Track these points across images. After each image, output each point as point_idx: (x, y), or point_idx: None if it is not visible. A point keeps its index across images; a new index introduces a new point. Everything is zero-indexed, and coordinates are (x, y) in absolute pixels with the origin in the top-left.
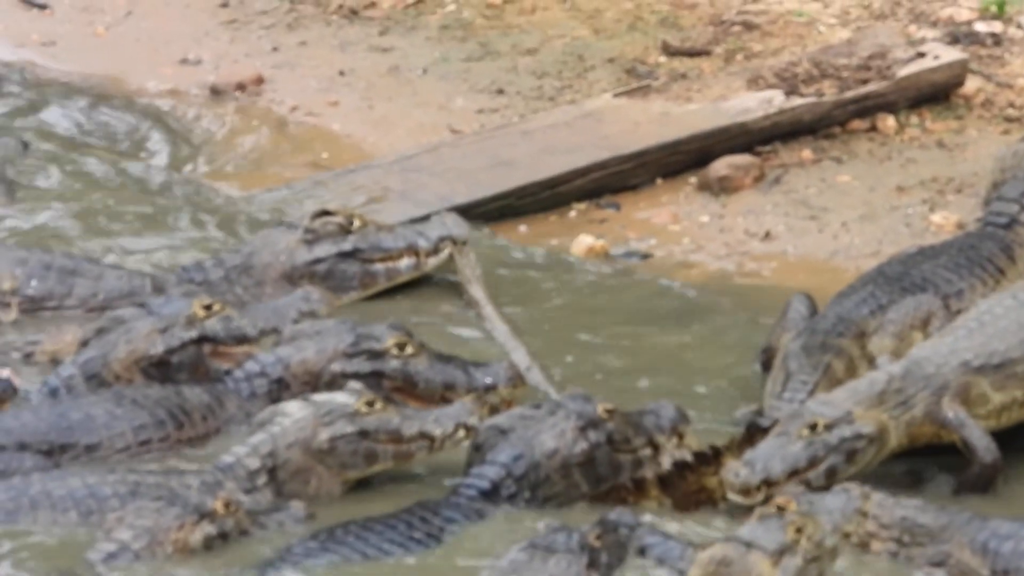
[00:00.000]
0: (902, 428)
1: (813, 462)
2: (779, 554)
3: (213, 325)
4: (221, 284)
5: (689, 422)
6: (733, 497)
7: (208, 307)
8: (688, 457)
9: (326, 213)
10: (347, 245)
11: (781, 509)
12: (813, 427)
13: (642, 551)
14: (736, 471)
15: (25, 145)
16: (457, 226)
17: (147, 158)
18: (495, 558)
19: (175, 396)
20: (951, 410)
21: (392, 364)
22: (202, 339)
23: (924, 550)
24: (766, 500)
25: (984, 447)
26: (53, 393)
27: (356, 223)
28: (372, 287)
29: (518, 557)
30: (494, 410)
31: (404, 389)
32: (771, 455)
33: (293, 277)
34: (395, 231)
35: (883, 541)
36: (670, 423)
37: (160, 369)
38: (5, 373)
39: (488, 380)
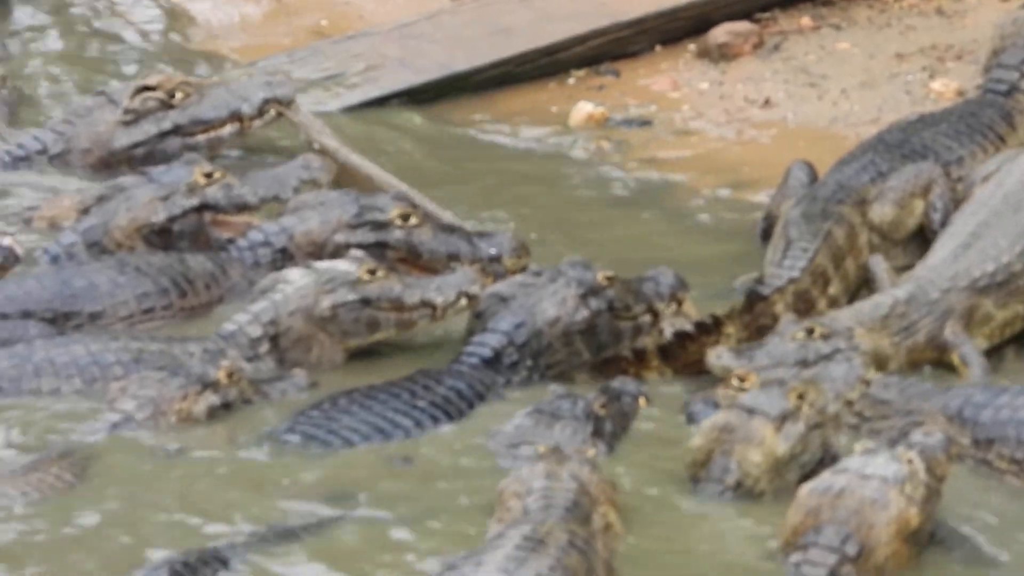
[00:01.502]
0: (903, 353)
1: (802, 364)
2: (781, 420)
3: (214, 192)
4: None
5: (688, 289)
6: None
7: (209, 175)
8: (688, 327)
9: (146, 88)
10: (166, 123)
11: (741, 379)
12: (810, 332)
13: (689, 418)
14: (719, 354)
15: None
16: (281, 86)
17: (140, 24)
18: (500, 423)
19: (178, 264)
20: (952, 332)
21: (396, 234)
22: (203, 207)
23: (890, 422)
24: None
25: (980, 365)
26: (55, 260)
27: (179, 96)
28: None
29: (523, 422)
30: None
31: (408, 260)
32: (760, 347)
33: (111, 162)
34: (216, 98)
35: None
36: (669, 289)
37: (161, 237)
38: (6, 241)
39: (493, 250)
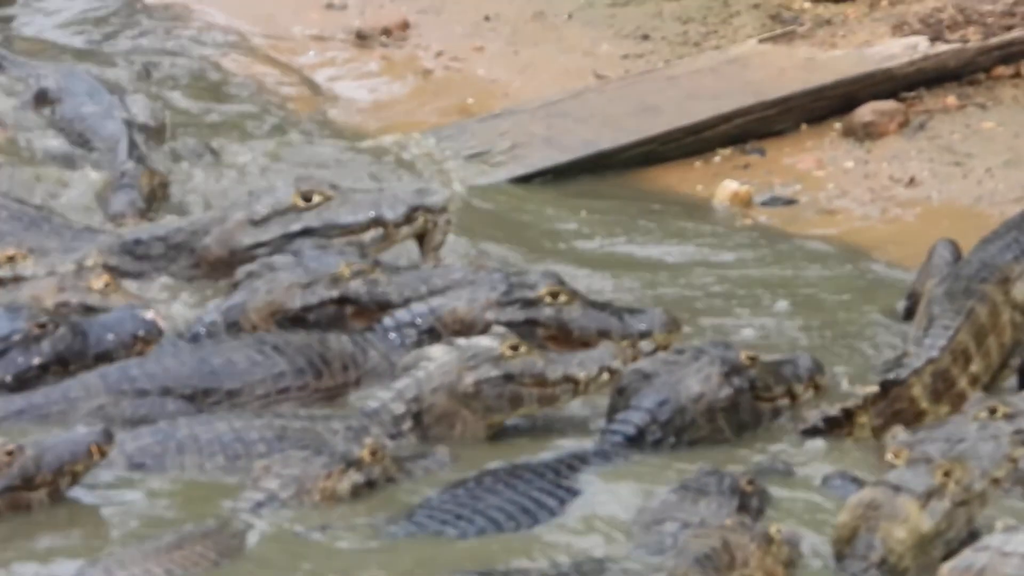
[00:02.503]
0: None
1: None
2: (927, 497)
3: (357, 287)
4: (159, 260)
5: (824, 373)
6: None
7: (357, 268)
8: (820, 424)
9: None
10: (296, 225)
11: (896, 457)
12: (992, 412)
13: (828, 488)
14: (895, 435)
15: (148, 72)
16: (432, 194)
17: (292, 108)
18: (646, 501)
19: (317, 344)
20: None
21: (546, 312)
22: (343, 300)
23: None
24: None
25: None
26: (195, 339)
27: (316, 198)
28: None
29: (669, 498)
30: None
31: (558, 337)
32: (942, 430)
33: (233, 262)
34: (358, 202)
35: None
36: (807, 372)
37: (296, 324)
38: (150, 315)
39: (643, 326)
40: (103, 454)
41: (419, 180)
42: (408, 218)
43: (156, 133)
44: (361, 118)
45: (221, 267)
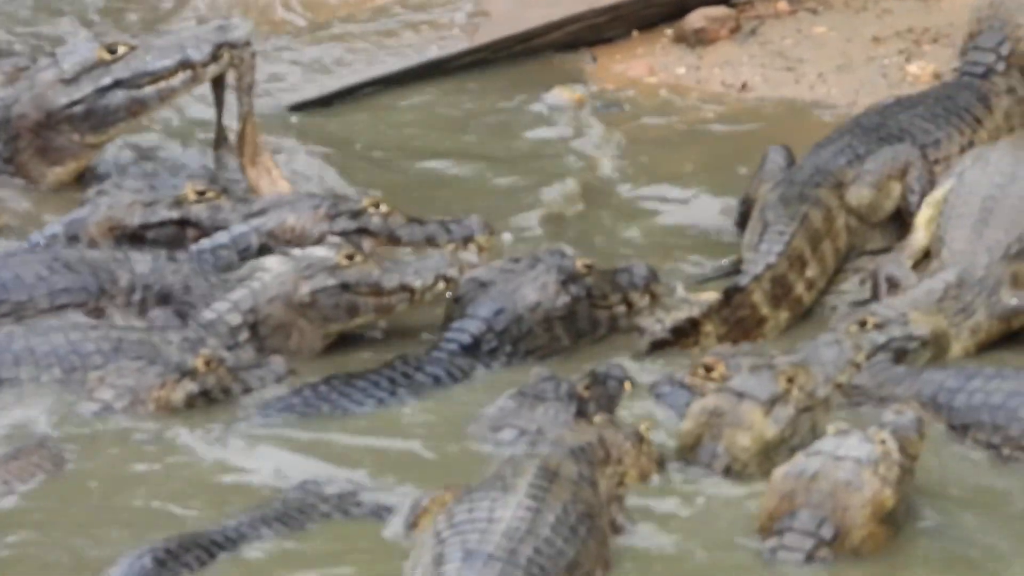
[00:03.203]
0: (966, 334)
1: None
2: (771, 403)
3: (199, 210)
4: None
5: (660, 280)
6: None
7: (201, 192)
8: (667, 335)
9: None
10: (107, 79)
11: (708, 369)
12: (863, 324)
13: (656, 396)
14: (773, 356)
15: None
16: (235, 29)
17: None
18: (483, 406)
19: (113, 263)
20: (1013, 298)
21: (374, 220)
22: (184, 222)
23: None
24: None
25: None
26: (32, 249)
27: (121, 49)
28: (141, 114)
29: (507, 404)
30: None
31: (388, 247)
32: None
33: (51, 124)
34: (162, 48)
35: None
36: (643, 281)
37: (134, 242)
38: None
39: (466, 232)
40: None
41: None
42: (214, 56)
43: None
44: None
45: (41, 132)
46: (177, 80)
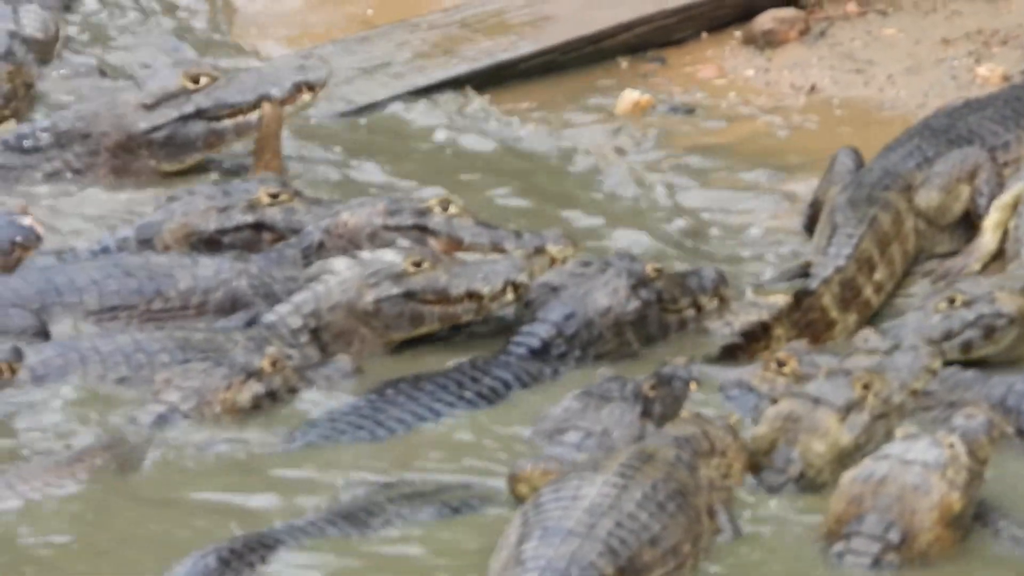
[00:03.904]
0: None
1: (948, 335)
2: (846, 410)
3: (274, 213)
4: (51, 150)
5: (728, 284)
6: None
7: (275, 195)
8: (738, 339)
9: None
10: (189, 107)
11: (780, 364)
12: (951, 301)
13: (726, 399)
14: (867, 337)
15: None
16: (314, 69)
17: (186, 19)
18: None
19: (170, 268)
20: None
21: (436, 220)
22: (259, 225)
23: (933, 414)
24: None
25: None
26: (104, 252)
27: (204, 80)
28: (218, 146)
29: (572, 404)
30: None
31: (450, 249)
32: (905, 326)
33: (131, 147)
34: (244, 82)
35: None
36: (711, 284)
37: (210, 247)
38: (27, 220)
39: (537, 241)
40: (13, 371)
41: (300, 57)
42: (293, 94)
43: (44, 46)
44: (258, 31)
45: (120, 154)
46: (254, 116)
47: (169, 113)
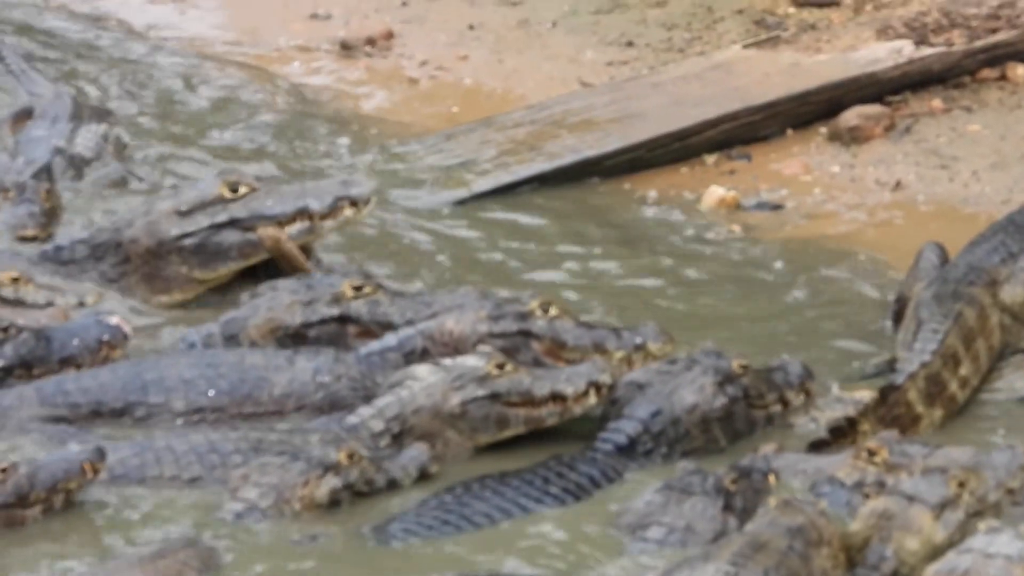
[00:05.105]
0: None
1: None
2: (941, 508)
3: (359, 306)
4: (87, 262)
5: (814, 379)
6: None
7: (359, 287)
8: (824, 435)
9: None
10: (223, 216)
11: (872, 454)
12: None
13: (816, 496)
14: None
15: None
16: (357, 185)
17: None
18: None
19: (262, 368)
20: None
21: (539, 324)
22: (344, 319)
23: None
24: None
25: None
26: (191, 348)
27: (243, 189)
28: (253, 257)
29: (654, 499)
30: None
31: (552, 352)
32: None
33: (161, 252)
34: (283, 193)
35: None
36: (798, 379)
37: (296, 342)
38: (116, 320)
39: (638, 339)
40: (96, 472)
41: (344, 172)
42: (333, 209)
43: (87, 163)
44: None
45: (150, 260)
46: (293, 228)
47: (201, 221)
